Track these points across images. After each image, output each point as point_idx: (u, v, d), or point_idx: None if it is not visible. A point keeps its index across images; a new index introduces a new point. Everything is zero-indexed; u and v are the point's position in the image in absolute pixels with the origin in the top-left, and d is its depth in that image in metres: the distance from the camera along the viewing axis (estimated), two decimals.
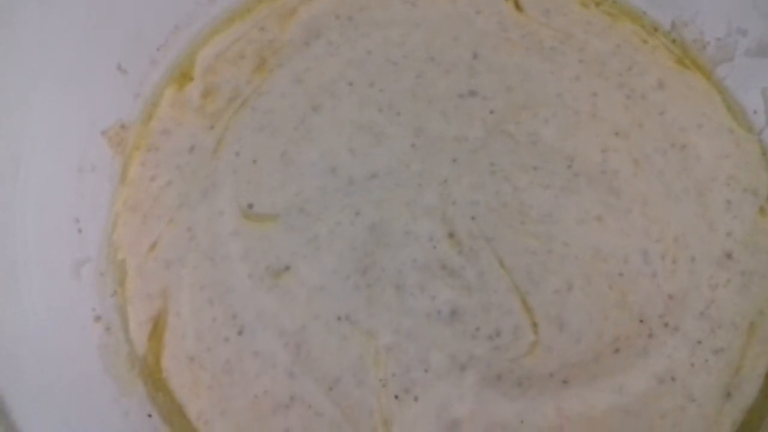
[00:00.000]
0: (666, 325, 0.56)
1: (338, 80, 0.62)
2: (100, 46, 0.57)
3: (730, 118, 0.62)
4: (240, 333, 0.54)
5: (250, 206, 0.58)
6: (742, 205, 0.59)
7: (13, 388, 0.43)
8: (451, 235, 0.57)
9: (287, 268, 0.56)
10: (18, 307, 0.47)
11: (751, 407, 0.54)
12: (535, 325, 0.55)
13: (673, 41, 0.65)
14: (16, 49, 0.51)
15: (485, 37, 0.64)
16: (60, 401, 0.47)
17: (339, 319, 0.55)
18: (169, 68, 0.62)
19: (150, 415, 0.53)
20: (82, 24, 0.56)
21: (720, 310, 0.56)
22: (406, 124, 0.60)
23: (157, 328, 0.55)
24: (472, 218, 0.57)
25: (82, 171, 0.56)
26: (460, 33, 0.64)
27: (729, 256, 0.58)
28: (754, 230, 0.59)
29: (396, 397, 0.53)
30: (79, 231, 0.55)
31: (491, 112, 0.61)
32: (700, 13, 0.64)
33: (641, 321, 0.56)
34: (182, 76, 0.62)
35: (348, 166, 0.59)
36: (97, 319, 0.54)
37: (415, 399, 0.53)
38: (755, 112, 0.62)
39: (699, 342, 0.55)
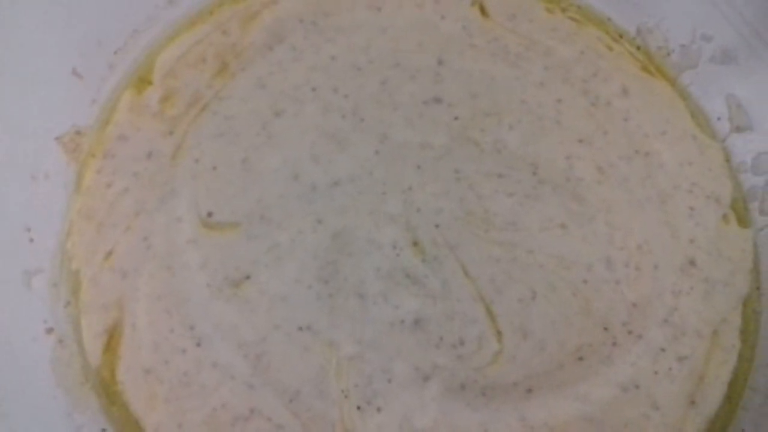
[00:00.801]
0: (630, 332, 0.55)
1: (302, 85, 0.61)
2: (55, 49, 0.56)
3: (693, 125, 0.62)
4: (198, 344, 0.53)
5: (210, 214, 0.57)
6: (705, 212, 0.59)
7: None
8: (415, 243, 0.56)
9: (247, 277, 0.55)
10: None
11: (715, 415, 0.54)
12: (499, 333, 0.55)
13: (638, 48, 0.65)
14: None
15: (451, 43, 0.64)
16: (9, 416, 0.46)
17: (300, 329, 0.54)
18: (128, 72, 0.61)
19: (104, 430, 0.52)
20: (36, 27, 0.55)
21: (683, 318, 0.56)
22: (370, 131, 0.60)
23: (113, 339, 0.54)
24: (436, 226, 0.57)
25: (35, 178, 0.55)
26: (426, 38, 0.64)
27: (692, 263, 0.58)
28: (717, 237, 0.59)
29: (358, 408, 0.52)
30: (31, 240, 0.53)
31: (456, 118, 0.61)
32: (664, 19, 0.64)
33: (605, 329, 0.55)
34: (141, 80, 0.61)
35: (311, 172, 0.58)
36: (49, 331, 0.53)
37: (378, 410, 0.52)
38: (719, 119, 0.63)
39: (662, 349, 0.55)
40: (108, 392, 0.53)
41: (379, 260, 0.56)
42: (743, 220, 0.60)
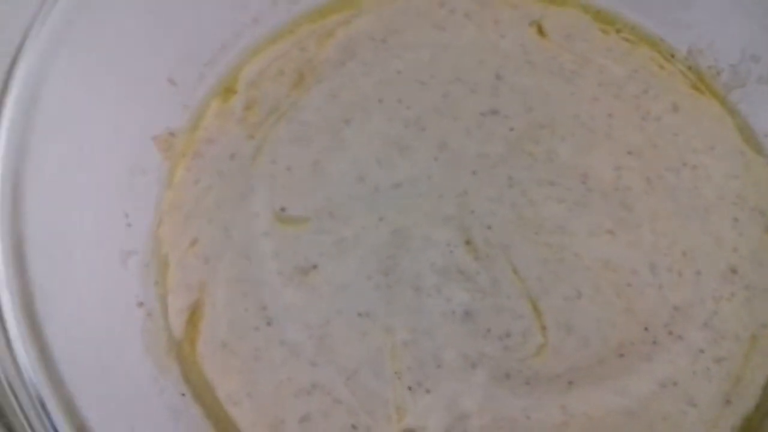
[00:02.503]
0: (670, 333, 0.58)
1: (370, 97, 0.66)
2: (153, 60, 0.62)
3: (741, 141, 0.65)
4: (269, 324, 0.59)
5: (283, 209, 0.62)
6: (749, 223, 0.62)
7: (67, 362, 0.48)
8: (467, 242, 0.61)
9: (314, 267, 0.60)
10: (72, 287, 0.52)
11: (750, 414, 0.56)
12: (544, 328, 0.58)
13: (689, 68, 0.68)
14: (76, 63, 0.56)
15: (509, 60, 0.68)
16: (105, 376, 0.52)
17: (360, 315, 0.59)
18: (216, 82, 0.67)
19: (183, 394, 0.57)
20: (138, 40, 0.61)
21: (723, 322, 0.58)
22: (430, 139, 0.64)
23: (194, 316, 0.60)
24: (489, 227, 0.61)
25: (134, 172, 0.61)
26: (485, 56, 0.68)
27: (734, 271, 0.60)
28: (759, 247, 0.61)
29: (409, 388, 0.57)
30: (128, 225, 0.60)
31: (511, 129, 0.65)
32: (715, 41, 0.67)
33: (646, 329, 0.58)
34: (227, 89, 0.67)
35: (375, 175, 0.63)
36: (140, 305, 0.59)
37: (427, 392, 0.57)
38: (766, 135, 0.65)
39: (701, 351, 0.58)
40: (188, 361, 0.59)
41: (434, 256, 0.60)
42: None
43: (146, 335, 0.58)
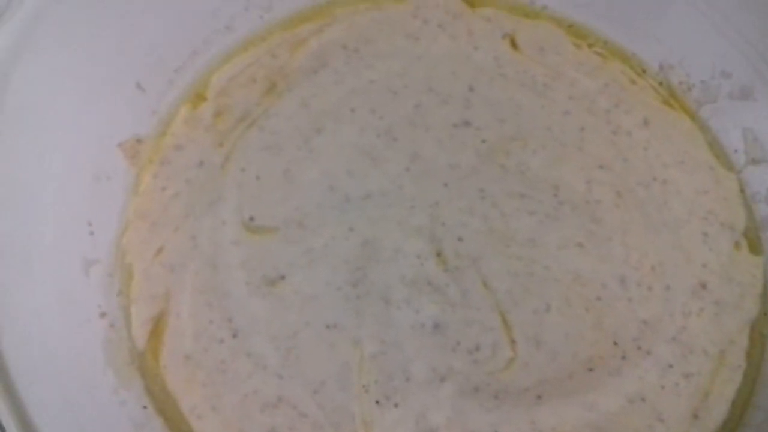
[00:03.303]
0: (639, 348, 0.58)
1: (341, 106, 0.65)
2: (122, 64, 0.61)
3: (711, 156, 0.65)
4: (234, 336, 0.58)
5: (252, 219, 0.62)
6: (719, 238, 0.62)
7: (23, 371, 0.46)
8: (438, 254, 0.60)
9: (283, 277, 0.59)
10: (32, 297, 0.51)
11: (718, 430, 0.57)
12: (513, 342, 0.58)
13: (660, 83, 0.69)
14: (44, 65, 0.55)
15: (481, 72, 0.67)
16: (64, 387, 0.50)
17: (328, 327, 0.58)
18: (185, 89, 0.66)
19: (145, 407, 0.56)
20: (107, 44, 0.60)
21: (692, 337, 0.59)
22: (402, 149, 0.64)
23: (158, 327, 0.58)
24: (459, 239, 0.61)
25: (99, 179, 0.60)
26: (458, 67, 0.68)
27: (703, 286, 0.60)
28: (729, 263, 0.61)
29: (377, 402, 0.56)
30: (91, 233, 0.58)
31: (483, 141, 0.64)
32: (686, 57, 0.67)
33: (615, 343, 0.58)
34: (196, 96, 0.66)
35: (345, 185, 0.62)
36: (103, 315, 0.58)
37: (395, 405, 0.56)
38: (736, 151, 0.66)
39: (670, 366, 0.58)
40: (151, 374, 0.58)
41: (404, 268, 0.60)
42: (755, 248, 0.63)
43: (108, 346, 0.57)
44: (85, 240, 0.58)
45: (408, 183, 0.63)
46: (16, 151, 0.53)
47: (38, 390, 0.46)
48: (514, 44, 0.69)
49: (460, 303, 0.59)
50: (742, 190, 0.64)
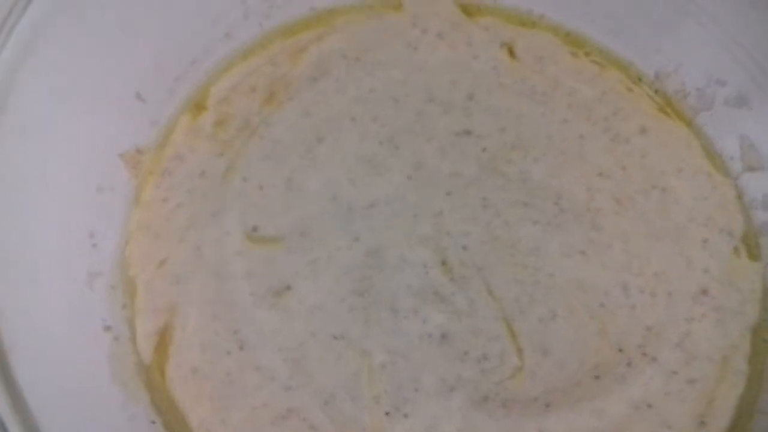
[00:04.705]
0: (644, 354, 0.59)
1: (343, 115, 0.65)
2: (121, 75, 0.60)
3: (708, 163, 0.66)
4: (241, 348, 0.57)
5: (255, 229, 0.61)
6: (719, 244, 0.63)
7: (33, 388, 0.45)
8: (443, 263, 0.60)
9: (288, 288, 0.59)
10: (36, 312, 0.50)
11: None
12: (520, 350, 0.58)
13: (656, 91, 0.69)
14: (44, 75, 0.54)
15: (481, 81, 0.68)
16: (74, 403, 0.50)
17: (335, 337, 0.58)
18: (186, 98, 0.65)
19: (154, 422, 0.55)
20: (106, 55, 0.59)
21: (695, 343, 0.59)
22: (404, 158, 0.64)
23: (163, 340, 0.58)
24: (464, 248, 0.61)
25: (101, 190, 0.59)
26: (458, 76, 0.68)
27: (705, 292, 0.61)
28: (729, 269, 0.62)
29: (387, 413, 0.56)
30: (94, 246, 0.58)
31: (484, 150, 0.65)
32: (682, 65, 0.68)
33: (620, 350, 0.59)
34: (197, 106, 0.66)
35: (348, 194, 0.62)
36: (107, 329, 0.57)
37: (405, 416, 0.56)
38: (732, 158, 0.66)
39: (675, 372, 0.58)
40: (158, 388, 0.57)
41: (410, 277, 0.60)
42: (754, 254, 0.63)
43: (113, 360, 0.56)
44: (88, 253, 0.57)
45: (411, 192, 0.63)
46: (18, 165, 0.52)
47: (49, 407, 0.45)
48: (512, 53, 0.70)
49: (466, 312, 0.59)
50: (739, 197, 0.65)
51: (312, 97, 0.66)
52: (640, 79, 0.70)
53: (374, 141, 0.65)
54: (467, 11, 0.70)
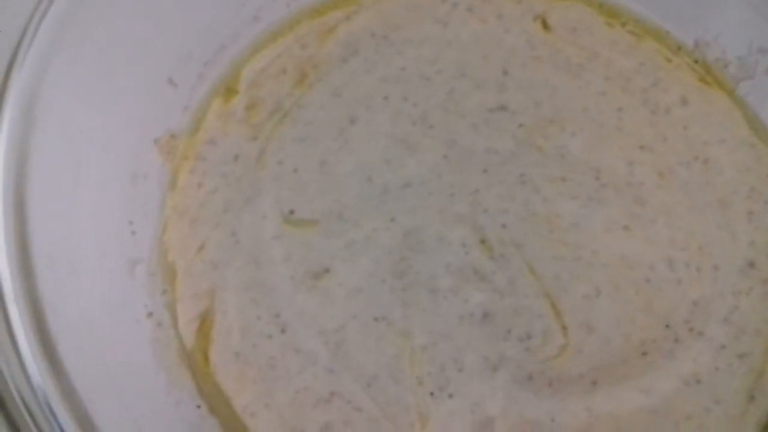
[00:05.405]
0: (691, 330, 0.58)
1: (374, 94, 0.64)
2: (152, 61, 0.60)
3: (751, 134, 0.64)
4: (282, 331, 0.57)
5: (291, 212, 0.61)
6: (764, 216, 0.61)
7: (79, 377, 0.46)
8: (482, 242, 0.60)
9: (326, 270, 0.59)
10: (79, 301, 0.50)
11: None
12: (564, 328, 0.57)
13: (696, 60, 0.68)
14: (75, 65, 0.54)
15: (514, 55, 0.66)
16: (119, 390, 0.50)
17: (376, 319, 0.57)
18: (216, 83, 0.65)
19: (199, 406, 0.55)
20: (136, 42, 0.59)
21: (743, 317, 0.58)
22: (438, 137, 0.63)
23: (205, 325, 0.58)
24: (503, 226, 0.60)
25: (136, 177, 0.59)
26: (490, 51, 0.67)
27: (751, 265, 0.60)
28: None
29: (431, 394, 0.55)
30: (133, 233, 0.57)
31: (520, 125, 0.64)
32: (722, 33, 0.66)
33: (667, 326, 0.58)
34: (228, 90, 0.65)
35: (383, 175, 0.62)
36: (150, 315, 0.57)
37: (450, 396, 0.55)
38: None
39: (723, 347, 0.57)
40: (201, 372, 0.57)
41: (449, 257, 0.59)
42: None
43: (157, 346, 0.56)
44: (128, 240, 0.57)
45: (446, 171, 0.62)
46: (53, 156, 0.52)
47: (97, 395, 0.46)
48: (545, 26, 0.68)
49: (507, 290, 0.58)
50: None
51: (342, 77, 0.65)
52: (679, 49, 0.68)
53: (407, 121, 0.64)
54: None
